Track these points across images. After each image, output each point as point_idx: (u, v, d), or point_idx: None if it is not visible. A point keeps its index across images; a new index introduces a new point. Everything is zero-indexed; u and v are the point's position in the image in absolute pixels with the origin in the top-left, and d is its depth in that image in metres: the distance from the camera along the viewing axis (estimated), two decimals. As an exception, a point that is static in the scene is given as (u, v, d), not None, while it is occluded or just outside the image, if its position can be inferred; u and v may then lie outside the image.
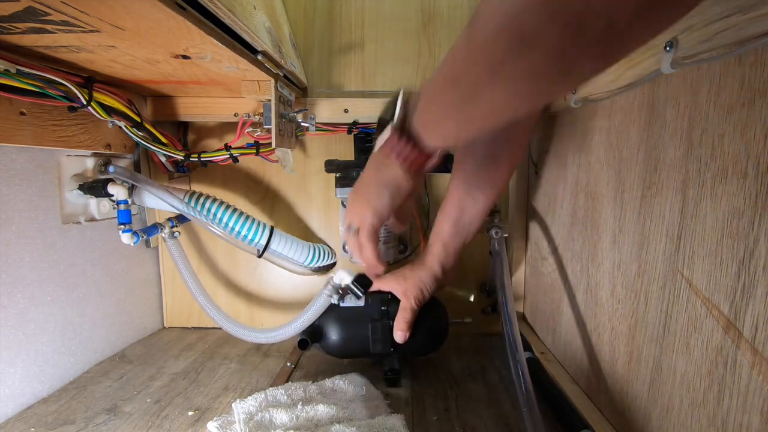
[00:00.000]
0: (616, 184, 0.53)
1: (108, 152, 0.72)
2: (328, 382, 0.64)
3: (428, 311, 0.68)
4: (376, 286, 0.67)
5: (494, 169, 0.62)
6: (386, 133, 0.51)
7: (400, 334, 0.64)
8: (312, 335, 0.68)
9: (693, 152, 0.39)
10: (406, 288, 0.65)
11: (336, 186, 0.75)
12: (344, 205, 0.84)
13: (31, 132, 0.57)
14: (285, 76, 0.69)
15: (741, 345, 0.33)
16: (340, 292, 0.67)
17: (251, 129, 0.74)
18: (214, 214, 0.73)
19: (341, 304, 0.69)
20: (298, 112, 0.75)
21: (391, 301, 0.68)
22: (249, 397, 0.58)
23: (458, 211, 0.64)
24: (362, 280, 0.66)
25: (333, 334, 0.68)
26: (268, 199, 0.89)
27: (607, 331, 0.55)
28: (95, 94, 0.60)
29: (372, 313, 0.68)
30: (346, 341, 0.68)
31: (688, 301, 0.40)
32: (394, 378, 0.68)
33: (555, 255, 0.73)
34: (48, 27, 0.43)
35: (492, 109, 0.34)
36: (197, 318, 0.91)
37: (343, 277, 0.66)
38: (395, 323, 0.65)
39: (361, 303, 0.69)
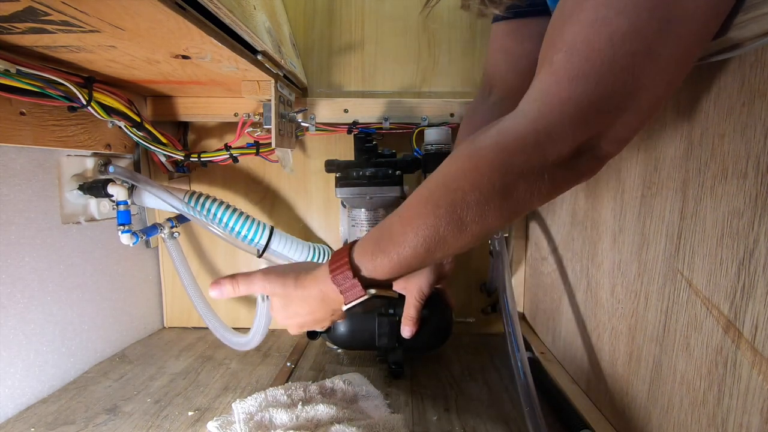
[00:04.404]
0: (616, 184, 0.53)
1: (108, 152, 0.72)
2: (328, 382, 0.64)
3: (433, 309, 0.69)
4: None
5: None
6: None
7: (407, 330, 0.66)
8: None
9: (693, 152, 0.39)
10: (406, 285, 0.67)
11: (336, 186, 0.75)
12: (344, 205, 0.84)
13: (31, 132, 0.57)
14: (285, 76, 0.69)
15: (741, 345, 0.33)
16: None
17: (251, 129, 0.74)
18: (214, 214, 0.73)
19: None
20: (298, 112, 0.75)
21: (398, 298, 0.69)
22: (249, 397, 0.58)
23: None
24: None
25: (341, 326, 0.71)
26: (268, 199, 0.89)
27: (607, 331, 0.55)
28: (95, 94, 0.60)
29: (379, 308, 0.70)
30: (353, 333, 0.71)
31: (688, 301, 0.40)
32: (398, 371, 0.70)
33: (555, 255, 0.73)
34: (48, 27, 0.43)
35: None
36: (197, 318, 0.91)
37: None
38: (402, 320, 0.67)
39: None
